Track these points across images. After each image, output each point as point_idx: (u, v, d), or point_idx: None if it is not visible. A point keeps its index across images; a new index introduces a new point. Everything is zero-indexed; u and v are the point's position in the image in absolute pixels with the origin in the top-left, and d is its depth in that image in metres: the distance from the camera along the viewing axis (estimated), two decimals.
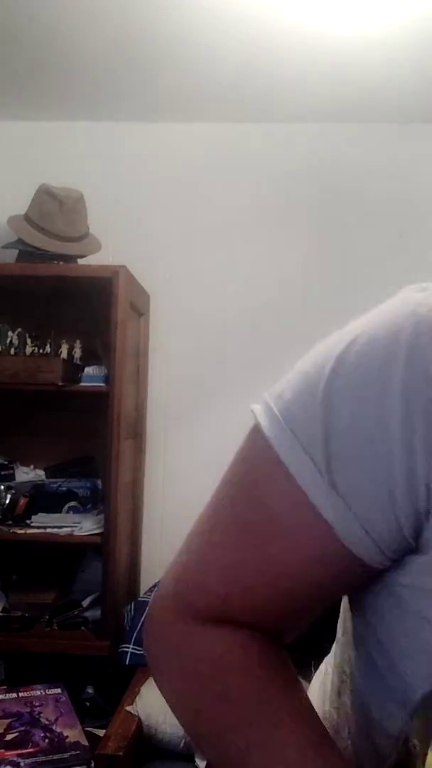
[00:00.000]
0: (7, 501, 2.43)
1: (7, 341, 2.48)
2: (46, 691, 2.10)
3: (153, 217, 2.73)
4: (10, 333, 2.49)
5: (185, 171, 2.73)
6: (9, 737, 1.90)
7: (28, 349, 2.49)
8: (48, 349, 2.52)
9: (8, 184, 2.65)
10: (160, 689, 0.62)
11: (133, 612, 2.31)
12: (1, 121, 2.74)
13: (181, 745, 1.98)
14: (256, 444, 0.57)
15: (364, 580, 0.58)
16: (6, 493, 2.45)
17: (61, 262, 2.42)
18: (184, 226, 2.72)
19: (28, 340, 2.50)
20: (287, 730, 0.54)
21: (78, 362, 2.49)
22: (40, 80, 2.47)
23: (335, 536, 0.53)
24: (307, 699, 0.58)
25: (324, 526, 0.53)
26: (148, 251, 2.66)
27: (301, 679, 0.61)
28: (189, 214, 2.72)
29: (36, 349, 2.51)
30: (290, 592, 0.57)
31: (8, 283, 2.45)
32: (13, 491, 2.46)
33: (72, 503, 2.41)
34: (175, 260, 2.70)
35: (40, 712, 2.01)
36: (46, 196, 2.41)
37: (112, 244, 2.58)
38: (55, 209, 2.40)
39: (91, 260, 2.49)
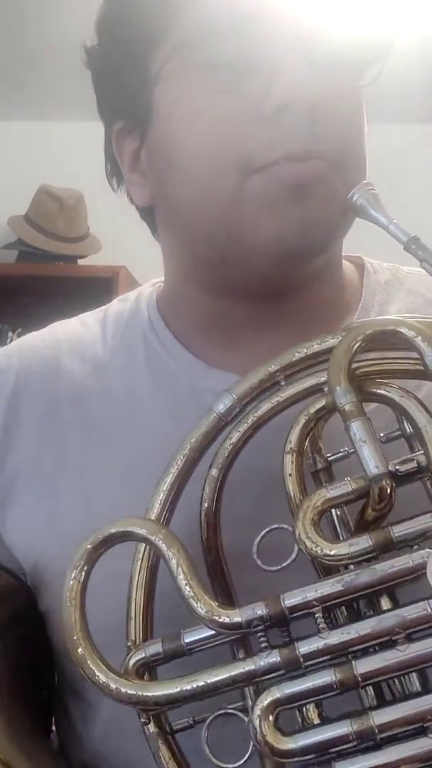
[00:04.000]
0: None
1: (7, 341, 2.48)
2: None
3: None
4: (10, 333, 2.49)
5: None
6: None
7: None
8: None
9: (8, 184, 2.65)
10: None
11: None
12: (1, 122, 2.74)
13: None
14: None
15: None
16: None
17: (61, 263, 2.42)
18: None
19: None
20: None
21: None
22: (40, 80, 2.46)
23: None
24: None
25: None
26: (148, 251, 2.64)
27: None
28: None
29: None
30: None
31: (8, 284, 2.45)
32: None
33: None
34: None
35: None
36: (46, 196, 2.41)
37: (112, 244, 2.58)
38: (55, 209, 2.40)
39: (91, 260, 2.49)
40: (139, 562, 0.49)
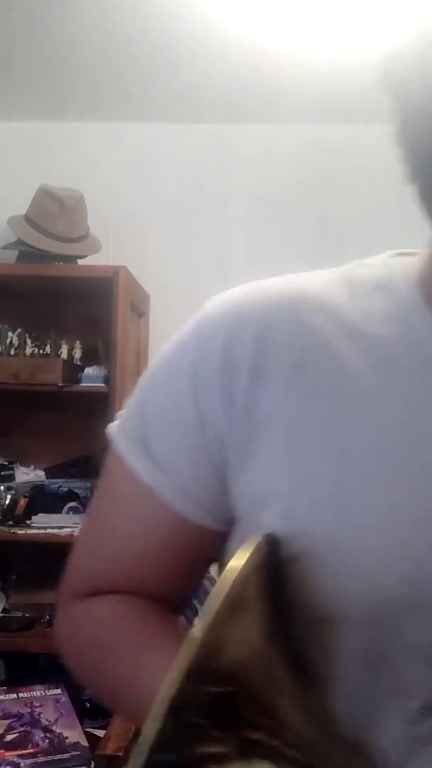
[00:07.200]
0: (7, 501, 2.43)
1: (7, 341, 2.48)
2: (46, 691, 2.10)
3: (153, 217, 2.72)
4: (10, 333, 2.49)
5: (185, 171, 2.72)
6: (9, 738, 1.89)
7: (28, 350, 2.49)
8: (48, 349, 2.52)
9: (8, 184, 2.65)
10: (72, 671, 0.67)
11: None
12: (1, 122, 2.74)
13: None
14: (111, 451, 0.66)
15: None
16: (6, 494, 2.45)
17: (61, 263, 2.42)
18: (183, 226, 2.72)
19: (28, 341, 2.50)
20: (163, 654, 0.55)
21: (78, 362, 2.49)
22: (40, 80, 2.46)
23: (159, 497, 0.61)
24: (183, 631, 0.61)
25: (147, 491, 0.61)
26: (148, 251, 2.65)
27: None
28: (189, 214, 2.72)
29: (36, 349, 2.51)
30: (145, 556, 0.63)
31: (8, 284, 2.45)
32: (13, 491, 2.46)
33: (72, 504, 2.41)
34: (175, 260, 2.70)
35: (40, 713, 2.00)
36: (46, 196, 2.41)
37: (112, 244, 2.58)
38: (55, 210, 2.40)
39: (91, 260, 2.49)
40: None
